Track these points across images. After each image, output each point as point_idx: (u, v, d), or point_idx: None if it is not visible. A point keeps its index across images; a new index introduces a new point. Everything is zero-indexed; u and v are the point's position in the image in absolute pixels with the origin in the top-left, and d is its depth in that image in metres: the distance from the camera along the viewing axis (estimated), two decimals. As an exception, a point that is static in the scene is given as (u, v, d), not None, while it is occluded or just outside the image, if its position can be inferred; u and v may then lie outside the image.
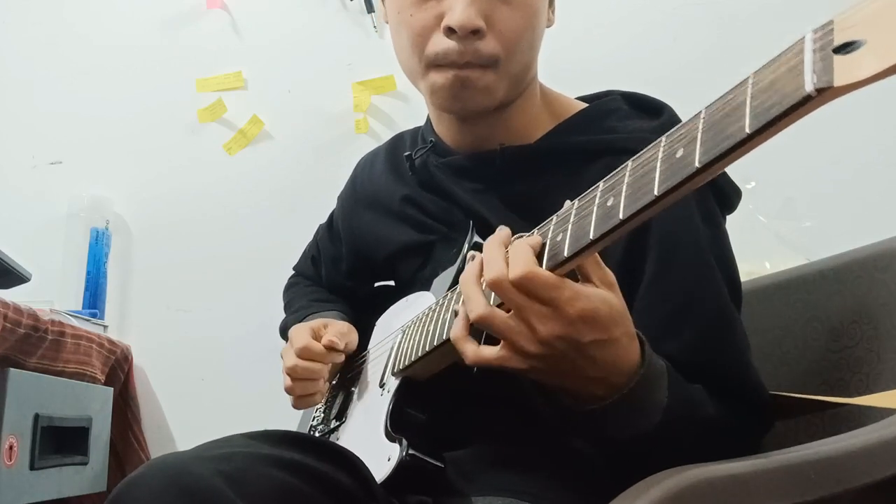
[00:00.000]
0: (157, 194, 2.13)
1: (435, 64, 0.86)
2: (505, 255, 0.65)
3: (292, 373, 0.96)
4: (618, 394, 0.67)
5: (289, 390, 0.98)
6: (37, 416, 1.40)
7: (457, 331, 0.69)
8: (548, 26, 0.93)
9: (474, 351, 0.67)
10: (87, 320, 1.88)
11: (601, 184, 0.62)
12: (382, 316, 1.05)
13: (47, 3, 2.23)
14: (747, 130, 0.48)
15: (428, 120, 1.04)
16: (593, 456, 0.83)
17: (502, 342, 0.66)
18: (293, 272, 1.30)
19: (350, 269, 1.16)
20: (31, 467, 1.37)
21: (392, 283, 1.10)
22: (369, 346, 1.04)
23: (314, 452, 0.75)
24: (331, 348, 0.96)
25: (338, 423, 1.01)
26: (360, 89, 2.07)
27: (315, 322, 1.03)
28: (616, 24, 1.98)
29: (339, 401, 1.04)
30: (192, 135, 2.14)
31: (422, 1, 0.86)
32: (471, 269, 0.69)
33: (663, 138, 0.56)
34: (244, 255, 2.06)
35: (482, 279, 0.67)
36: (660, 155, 0.56)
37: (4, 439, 1.29)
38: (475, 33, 0.84)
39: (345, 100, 2.06)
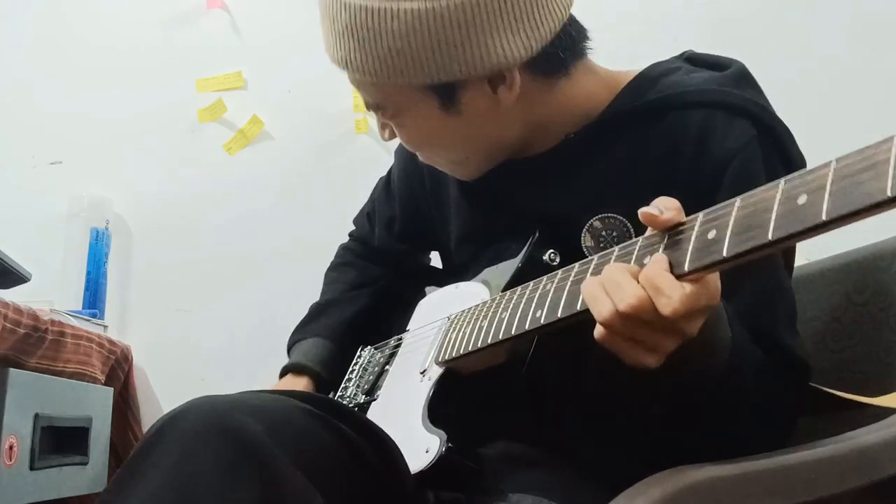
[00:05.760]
0: (157, 194, 2.12)
1: None
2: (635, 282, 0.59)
3: None
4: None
5: None
6: (37, 416, 1.39)
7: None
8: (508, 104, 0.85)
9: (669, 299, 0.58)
10: (88, 320, 1.88)
11: (700, 215, 0.58)
12: (427, 297, 1.04)
13: (47, 3, 2.23)
14: (889, 193, 0.44)
15: None
16: (621, 457, 0.82)
17: None
18: (353, 227, 1.24)
19: (402, 232, 1.13)
20: (31, 467, 1.37)
21: (437, 252, 1.11)
22: (409, 327, 1.02)
23: (348, 421, 0.74)
24: None
25: (369, 398, 0.98)
26: (360, 89, 2.06)
27: None
28: (616, 25, 1.98)
29: (370, 376, 1.01)
30: (192, 135, 2.14)
31: None
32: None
33: (781, 181, 0.52)
34: (244, 255, 2.06)
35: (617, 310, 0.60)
36: (777, 196, 0.51)
37: (4, 439, 1.28)
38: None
39: (345, 100, 2.06)
